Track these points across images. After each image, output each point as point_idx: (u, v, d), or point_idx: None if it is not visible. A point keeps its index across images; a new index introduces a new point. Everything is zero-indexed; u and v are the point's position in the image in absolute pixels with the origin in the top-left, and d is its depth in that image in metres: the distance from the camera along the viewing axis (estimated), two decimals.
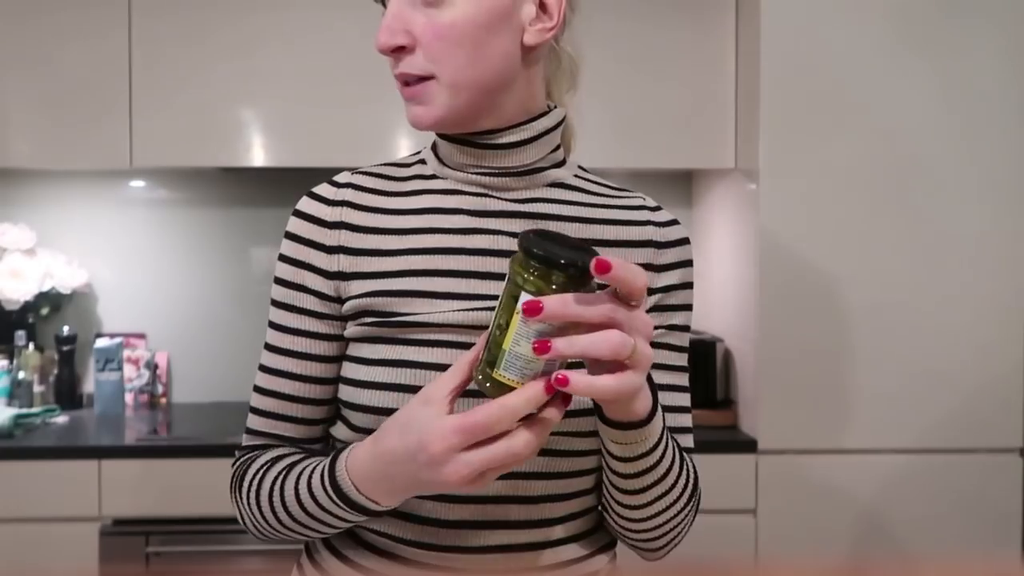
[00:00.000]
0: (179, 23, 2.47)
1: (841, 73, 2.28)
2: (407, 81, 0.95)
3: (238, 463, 1.03)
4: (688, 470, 0.97)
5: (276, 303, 1.01)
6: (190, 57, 2.47)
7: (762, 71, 2.29)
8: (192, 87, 2.47)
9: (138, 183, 2.88)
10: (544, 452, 0.94)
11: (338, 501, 0.90)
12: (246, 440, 1.03)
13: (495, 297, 0.92)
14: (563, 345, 0.77)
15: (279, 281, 1.01)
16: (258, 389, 1.02)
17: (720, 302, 2.62)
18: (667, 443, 0.92)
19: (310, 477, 0.92)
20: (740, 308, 2.46)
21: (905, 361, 2.30)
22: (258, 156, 2.50)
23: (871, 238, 2.30)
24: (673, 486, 0.94)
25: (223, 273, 2.88)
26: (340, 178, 1.03)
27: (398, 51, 0.94)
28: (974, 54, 2.28)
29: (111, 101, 2.47)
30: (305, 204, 1.01)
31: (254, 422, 1.02)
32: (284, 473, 0.96)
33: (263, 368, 1.02)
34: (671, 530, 0.99)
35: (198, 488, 2.28)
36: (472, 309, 0.95)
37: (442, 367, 0.91)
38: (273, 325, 1.01)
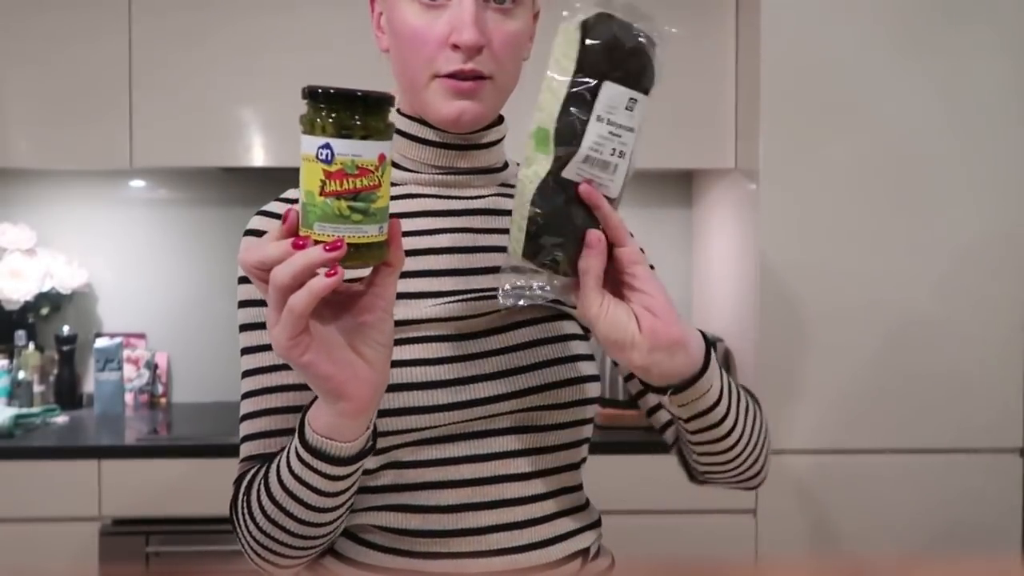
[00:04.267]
0: (179, 23, 2.47)
1: (841, 73, 2.28)
2: (464, 77, 0.96)
3: (234, 495, 0.97)
4: (750, 401, 1.00)
5: (248, 326, 1.00)
6: (190, 57, 2.47)
7: (762, 71, 2.29)
8: (192, 87, 2.47)
9: (138, 183, 2.88)
10: (528, 428, 0.99)
11: (301, 448, 0.85)
12: (241, 470, 0.99)
13: (465, 292, 0.95)
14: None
15: (248, 303, 1.00)
16: (247, 416, 0.99)
17: (720, 302, 2.62)
18: (729, 391, 0.94)
19: (287, 451, 0.88)
20: (740, 308, 2.46)
21: (905, 361, 2.30)
22: (258, 156, 2.50)
23: (871, 238, 2.30)
24: (745, 425, 0.98)
25: (223, 273, 2.88)
26: (291, 195, 1.04)
27: (474, 49, 0.95)
28: (973, 54, 2.28)
29: (111, 101, 2.47)
30: (259, 222, 1.02)
31: (250, 448, 0.98)
32: (266, 466, 0.92)
33: (248, 394, 0.99)
34: (755, 461, 1.03)
35: (198, 488, 2.28)
36: (445, 303, 0.98)
37: (423, 362, 0.95)
38: (249, 349, 0.99)
